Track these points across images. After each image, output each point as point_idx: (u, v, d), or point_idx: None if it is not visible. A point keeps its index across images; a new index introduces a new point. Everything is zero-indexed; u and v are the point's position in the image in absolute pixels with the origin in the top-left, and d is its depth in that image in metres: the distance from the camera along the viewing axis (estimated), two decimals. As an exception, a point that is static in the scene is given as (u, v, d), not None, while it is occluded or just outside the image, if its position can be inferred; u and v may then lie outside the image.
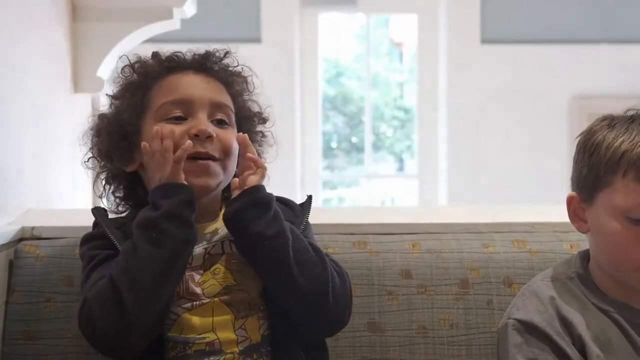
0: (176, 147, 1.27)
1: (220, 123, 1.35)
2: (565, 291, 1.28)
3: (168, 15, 2.37)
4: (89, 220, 1.38)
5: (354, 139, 5.36)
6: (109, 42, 2.33)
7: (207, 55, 1.39)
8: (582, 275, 1.30)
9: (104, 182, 1.42)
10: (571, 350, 1.21)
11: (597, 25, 4.55)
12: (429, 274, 1.50)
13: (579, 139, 1.29)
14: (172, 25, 2.42)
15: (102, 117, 1.40)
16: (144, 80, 1.36)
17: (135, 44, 2.48)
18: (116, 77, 1.41)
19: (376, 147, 5.29)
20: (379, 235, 1.56)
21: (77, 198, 2.35)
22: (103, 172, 1.41)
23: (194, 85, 1.35)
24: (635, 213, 1.19)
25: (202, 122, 1.31)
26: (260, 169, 1.30)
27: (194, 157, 1.30)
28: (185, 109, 1.32)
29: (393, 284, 1.49)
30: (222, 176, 1.33)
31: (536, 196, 4.23)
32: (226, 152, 1.33)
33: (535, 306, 1.26)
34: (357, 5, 4.80)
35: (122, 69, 1.40)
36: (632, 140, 1.20)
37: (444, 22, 4.66)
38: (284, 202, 1.40)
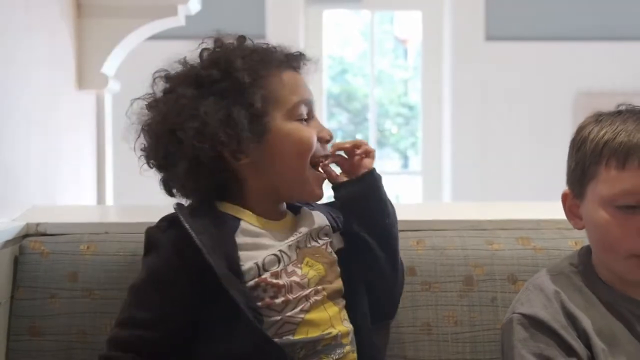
0: (311, 151, 1.27)
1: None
2: (569, 285, 1.28)
3: (173, 12, 2.37)
4: (93, 217, 1.38)
5: (359, 136, 5.36)
6: (113, 38, 2.33)
7: (302, 57, 1.34)
8: (586, 269, 1.30)
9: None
10: (577, 344, 1.21)
11: (602, 22, 4.54)
12: (433, 270, 1.50)
13: (571, 140, 1.32)
14: (176, 21, 2.42)
15: (195, 88, 1.26)
16: (264, 67, 1.26)
17: (140, 40, 2.48)
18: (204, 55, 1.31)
19: (380, 143, 5.29)
20: (383, 232, 1.55)
21: (81, 194, 2.35)
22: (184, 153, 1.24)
23: (305, 88, 1.31)
24: (620, 201, 1.20)
25: (323, 126, 1.31)
26: (372, 151, 1.34)
27: (317, 162, 1.30)
28: (308, 110, 1.30)
29: (397, 281, 1.49)
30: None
31: (541, 193, 4.21)
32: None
33: (540, 300, 1.26)
34: (361, 2, 4.80)
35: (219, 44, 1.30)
36: (614, 131, 1.22)
37: (448, 18, 4.65)
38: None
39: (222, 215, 1.26)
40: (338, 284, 1.32)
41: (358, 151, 1.33)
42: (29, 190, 1.84)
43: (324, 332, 1.26)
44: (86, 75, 2.31)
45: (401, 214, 1.42)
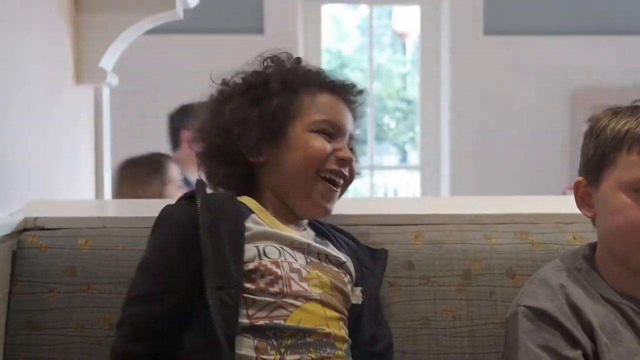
0: (321, 160, 1.35)
1: (350, 149, 1.42)
2: (573, 280, 1.29)
3: (171, 5, 2.36)
4: (91, 211, 1.39)
5: (357, 131, 5.36)
6: (111, 33, 2.33)
7: (352, 88, 1.45)
8: (589, 266, 1.31)
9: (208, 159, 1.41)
10: (582, 337, 1.22)
11: (600, 16, 4.54)
12: (432, 265, 1.50)
13: (585, 131, 1.33)
14: (174, 15, 2.42)
15: (239, 94, 1.40)
16: (299, 85, 1.39)
17: (138, 34, 2.48)
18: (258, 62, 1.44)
19: (379, 138, 5.29)
20: (381, 226, 1.55)
21: (79, 189, 2.35)
22: (215, 147, 1.39)
23: (344, 113, 1.41)
24: None
25: (346, 148, 1.39)
26: None
27: (331, 178, 1.37)
28: (334, 131, 1.38)
29: (395, 275, 1.49)
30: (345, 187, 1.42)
31: (539, 188, 4.23)
32: (350, 179, 1.41)
33: (546, 293, 1.27)
34: (360, -4, 4.80)
35: (274, 59, 1.44)
36: (636, 120, 1.25)
37: (446, 13, 4.64)
38: (356, 240, 1.46)
39: (239, 203, 1.33)
40: (342, 311, 1.32)
41: None
42: (27, 184, 1.84)
43: (317, 326, 1.26)
44: (84, 69, 2.31)
45: (399, 208, 1.42)
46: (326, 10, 4.90)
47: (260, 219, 1.32)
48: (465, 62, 4.56)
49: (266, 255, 1.27)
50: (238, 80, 1.42)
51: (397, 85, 5.45)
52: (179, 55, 4.40)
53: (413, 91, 5.24)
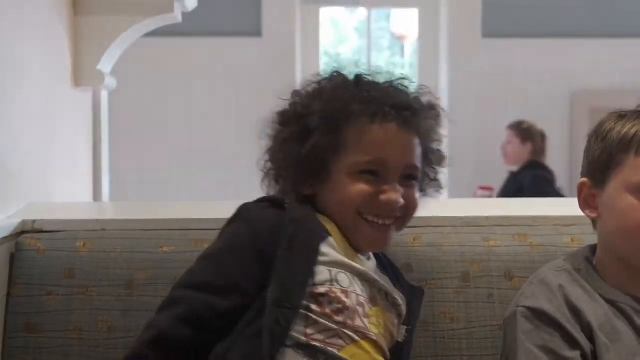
0: (359, 205, 1.26)
1: (407, 179, 1.30)
2: (572, 281, 1.29)
3: (169, 8, 2.36)
4: (90, 214, 1.38)
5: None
6: (110, 35, 2.33)
7: (414, 108, 1.31)
8: (589, 268, 1.31)
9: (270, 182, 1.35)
10: (580, 337, 1.22)
11: (599, 19, 4.55)
12: (430, 267, 1.50)
13: (589, 134, 1.34)
14: (173, 18, 2.42)
15: (291, 131, 1.31)
16: (344, 117, 1.28)
17: (137, 37, 2.48)
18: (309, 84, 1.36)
19: (377, 141, 5.29)
20: (380, 228, 1.55)
21: (78, 191, 2.35)
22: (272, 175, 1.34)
23: (394, 146, 1.28)
24: None
25: (394, 189, 1.27)
26: None
27: (374, 221, 1.28)
28: (381, 170, 1.27)
29: (394, 278, 1.49)
30: (394, 236, 1.33)
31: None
32: (409, 212, 1.31)
33: (545, 294, 1.27)
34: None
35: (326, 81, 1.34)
36: None
37: (445, 15, 4.65)
38: (399, 276, 1.39)
39: (318, 223, 1.28)
40: (387, 354, 1.27)
41: None
42: (25, 187, 1.84)
43: None
44: (82, 72, 2.31)
45: (398, 211, 1.41)
46: (324, 13, 4.91)
47: (336, 243, 1.27)
48: (463, 65, 4.57)
49: (338, 282, 1.23)
50: (298, 99, 1.34)
51: (395, 88, 5.47)
52: (178, 57, 4.40)
53: (411, 94, 5.24)
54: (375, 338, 1.24)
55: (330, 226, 1.28)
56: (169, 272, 1.43)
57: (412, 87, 1.35)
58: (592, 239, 1.37)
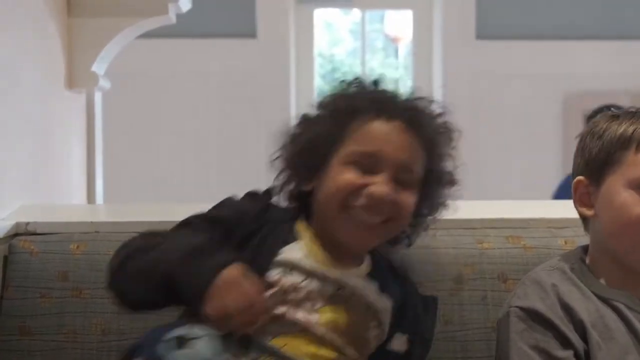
0: (344, 195, 1.25)
1: (401, 183, 1.27)
2: (565, 279, 1.29)
3: (163, 10, 2.36)
4: (83, 216, 1.38)
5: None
6: (104, 37, 2.32)
7: (421, 111, 1.33)
8: (582, 267, 1.32)
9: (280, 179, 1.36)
10: (573, 336, 1.22)
11: (592, 21, 4.56)
12: (424, 270, 1.50)
13: (581, 134, 1.35)
14: (167, 20, 2.41)
15: (302, 126, 1.34)
16: (348, 113, 1.30)
17: (131, 39, 2.48)
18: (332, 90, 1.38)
19: (371, 142, 5.29)
20: (373, 231, 1.55)
21: (71, 193, 2.35)
22: (281, 175, 1.34)
23: (393, 141, 1.27)
24: None
25: (384, 182, 1.25)
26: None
27: (357, 215, 1.25)
28: (370, 163, 1.25)
29: (388, 280, 1.49)
30: (383, 238, 1.31)
31: (531, 192, 4.24)
32: (397, 215, 1.27)
33: (537, 293, 1.27)
34: (352, 1, 4.80)
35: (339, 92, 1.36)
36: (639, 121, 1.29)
37: (439, 17, 4.66)
38: (409, 283, 1.38)
39: (291, 226, 1.30)
40: (346, 353, 1.25)
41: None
42: (18, 189, 1.83)
43: (298, 358, 1.20)
44: (76, 73, 2.30)
45: (392, 213, 1.41)
46: (318, 14, 4.90)
47: (304, 247, 1.27)
48: (457, 67, 4.57)
49: (291, 276, 1.24)
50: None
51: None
52: (172, 59, 4.40)
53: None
54: (320, 334, 1.23)
55: (305, 232, 1.29)
56: (163, 274, 1.43)
57: (433, 107, 1.37)
58: (585, 240, 1.37)
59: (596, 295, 1.27)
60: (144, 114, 4.54)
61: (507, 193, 4.29)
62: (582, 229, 1.36)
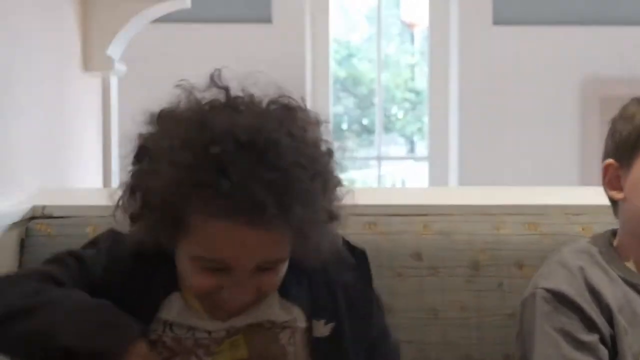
0: (207, 294, 1.10)
1: (263, 269, 1.09)
2: (592, 262, 1.29)
3: (179, -6, 2.36)
4: (100, 200, 1.38)
5: (365, 121, 5.35)
6: (119, 21, 2.32)
7: (284, 190, 1.02)
8: (610, 250, 1.31)
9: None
10: (599, 320, 1.22)
11: (610, 6, 4.51)
12: (440, 255, 1.49)
13: (613, 118, 1.34)
14: (182, 4, 2.41)
15: (137, 175, 1.17)
16: (191, 185, 1.04)
17: (146, 22, 2.47)
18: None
19: (387, 129, 5.28)
20: (389, 216, 1.55)
21: (88, 177, 2.35)
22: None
23: (240, 246, 1.05)
24: None
25: (239, 286, 1.08)
26: None
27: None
28: (222, 264, 1.07)
29: (403, 266, 1.49)
30: (263, 299, 1.15)
31: (548, 178, 4.22)
32: (265, 293, 1.13)
33: (564, 275, 1.26)
34: (368, -14, 4.78)
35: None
36: None
37: (455, 3, 4.62)
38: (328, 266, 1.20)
39: (170, 277, 1.17)
40: None
41: None
42: (35, 172, 1.84)
43: None
44: (92, 57, 2.30)
45: (408, 198, 1.41)
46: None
47: (182, 298, 1.17)
48: (474, 52, 4.54)
49: (171, 331, 1.16)
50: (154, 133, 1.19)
51: (405, 76, 5.44)
52: (187, 43, 4.39)
53: (421, 82, 5.22)
54: None
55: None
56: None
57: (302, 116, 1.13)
58: (603, 228, 1.36)
59: (624, 280, 1.26)
60: (158, 98, 4.55)
61: (525, 178, 4.27)
62: (599, 215, 1.36)
